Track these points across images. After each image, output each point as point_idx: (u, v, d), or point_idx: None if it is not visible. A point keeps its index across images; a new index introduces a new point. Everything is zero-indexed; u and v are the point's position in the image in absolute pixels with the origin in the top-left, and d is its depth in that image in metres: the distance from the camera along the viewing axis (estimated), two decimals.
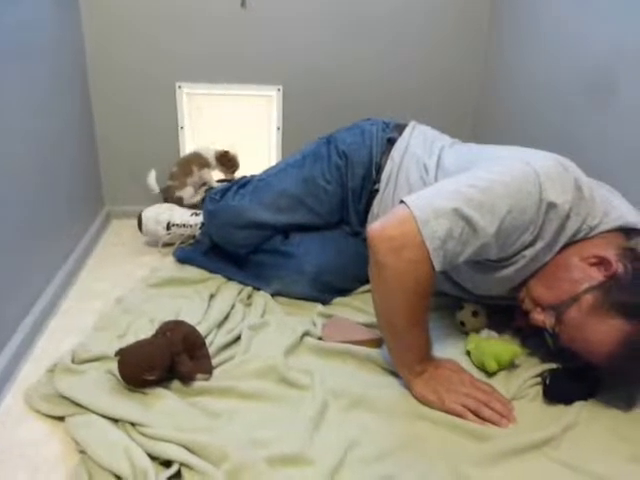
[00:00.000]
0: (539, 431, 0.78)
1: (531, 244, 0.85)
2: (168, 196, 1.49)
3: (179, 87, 1.52)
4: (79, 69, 1.41)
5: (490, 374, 0.92)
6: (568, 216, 0.83)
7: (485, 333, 1.05)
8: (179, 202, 1.48)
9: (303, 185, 1.15)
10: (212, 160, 1.52)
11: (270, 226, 1.17)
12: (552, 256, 0.87)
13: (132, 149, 1.57)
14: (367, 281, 1.15)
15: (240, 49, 1.51)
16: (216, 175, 1.56)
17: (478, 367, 0.94)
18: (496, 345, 0.94)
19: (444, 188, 0.85)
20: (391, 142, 1.14)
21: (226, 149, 1.52)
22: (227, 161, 1.52)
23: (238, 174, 1.53)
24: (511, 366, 0.93)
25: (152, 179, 1.50)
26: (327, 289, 1.14)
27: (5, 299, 0.90)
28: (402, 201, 0.83)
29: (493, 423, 0.80)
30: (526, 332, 1.00)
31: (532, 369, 0.93)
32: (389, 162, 1.12)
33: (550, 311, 0.87)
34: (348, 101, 1.60)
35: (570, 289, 0.84)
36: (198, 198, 1.48)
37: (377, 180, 1.13)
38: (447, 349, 0.98)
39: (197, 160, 1.51)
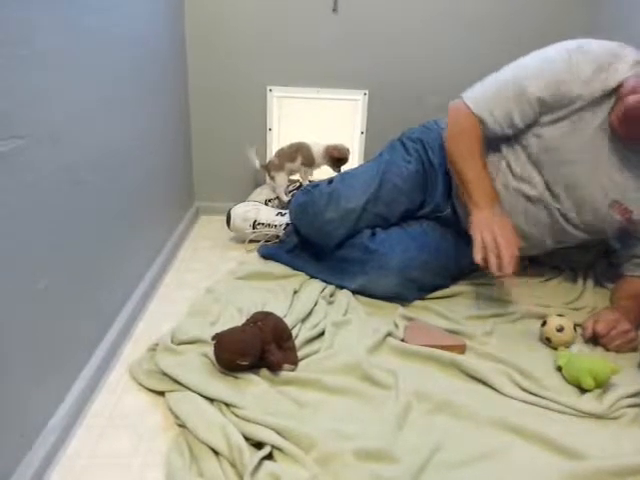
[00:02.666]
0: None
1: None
2: (267, 171, 1.55)
3: (270, 90, 1.58)
4: (181, 72, 1.51)
5: (585, 391, 0.87)
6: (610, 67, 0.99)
7: (576, 348, 1.00)
8: (271, 179, 1.54)
9: (386, 167, 1.25)
10: (318, 156, 1.54)
11: (360, 208, 1.20)
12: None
13: (223, 148, 1.66)
14: (450, 277, 1.24)
15: (329, 54, 1.55)
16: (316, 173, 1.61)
17: (572, 384, 0.90)
18: (591, 361, 0.89)
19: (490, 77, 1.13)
20: None
21: (336, 143, 1.54)
22: (337, 152, 1.52)
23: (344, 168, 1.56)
24: (608, 384, 0.88)
25: (253, 154, 1.55)
26: (412, 285, 1.15)
27: (110, 286, 0.98)
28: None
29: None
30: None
31: (629, 387, 0.88)
32: None
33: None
34: (432, 105, 1.58)
35: None
36: (286, 198, 1.52)
37: None
38: (536, 366, 0.94)
39: (305, 152, 1.54)
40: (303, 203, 1.26)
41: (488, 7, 1.52)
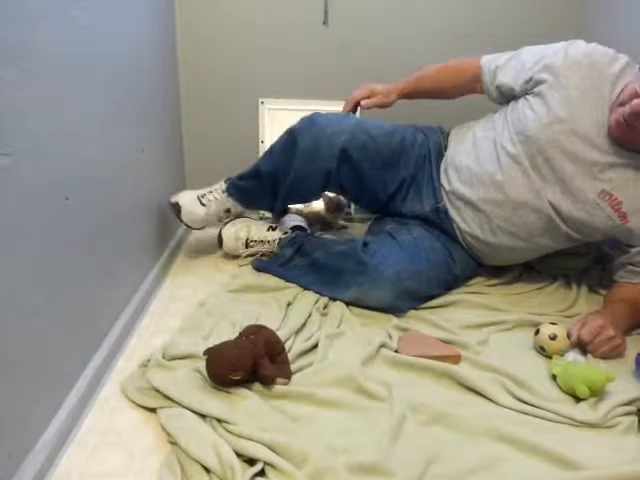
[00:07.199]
0: (637, 463, 0.73)
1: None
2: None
3: (262, 103, 1.59)
4: (173, 85, 1.52)
5: (580, 400, 0.87)
6: None
7: (571, 356, 1.00)
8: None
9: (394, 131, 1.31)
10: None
11: (370, 136, 1.24)
12: None
13: (215, 161, 1.66)
14: (444, 286, 1.24)
15: (321, 66, 1.56)
16: None
17: (567, 392, 0.89)
18: (586, 370, 0.89)
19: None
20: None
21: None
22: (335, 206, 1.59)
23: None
24: (603, 393, 0.88)
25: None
26: (407, 296, 1.14)
27: (102, 301, 0.97)
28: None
29: None
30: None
31: (624, 394, 0.87)
32: (452, 132, 1.34)
33: None
34: (427, 119, 1.59)
35: None
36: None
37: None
38: (531, 375, 0.93)
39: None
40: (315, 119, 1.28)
41: (479, 18, 1.53)
